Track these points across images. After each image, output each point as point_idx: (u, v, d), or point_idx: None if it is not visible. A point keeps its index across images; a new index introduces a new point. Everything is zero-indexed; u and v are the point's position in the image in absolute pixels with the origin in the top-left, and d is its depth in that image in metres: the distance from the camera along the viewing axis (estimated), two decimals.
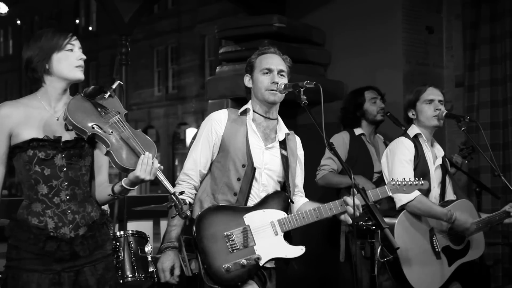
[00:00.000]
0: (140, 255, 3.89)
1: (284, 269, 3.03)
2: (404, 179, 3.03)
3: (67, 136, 2.46)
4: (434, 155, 3.66)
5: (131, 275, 3.79)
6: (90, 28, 27.11)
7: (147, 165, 2.36)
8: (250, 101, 3.04)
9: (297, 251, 2.86)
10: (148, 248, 3.96)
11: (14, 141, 2.42)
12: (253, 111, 3.00)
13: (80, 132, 2.40)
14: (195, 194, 2.96)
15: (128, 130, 2.42)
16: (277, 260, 2.87)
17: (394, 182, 2.99)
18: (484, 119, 5.12)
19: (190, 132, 21.64)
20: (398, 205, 3.49)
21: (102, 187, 2.59)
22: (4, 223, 2.67)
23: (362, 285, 4.03)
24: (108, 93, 2.50)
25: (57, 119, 2.46)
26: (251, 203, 2.90)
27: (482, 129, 4.05)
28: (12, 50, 30.27)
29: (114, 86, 2.53)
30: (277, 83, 2.92)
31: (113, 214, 4.71)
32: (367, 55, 5.34)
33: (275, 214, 2.87)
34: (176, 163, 24.20)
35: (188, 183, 2.94)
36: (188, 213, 2.46)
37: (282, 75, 2.99)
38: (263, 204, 2.88)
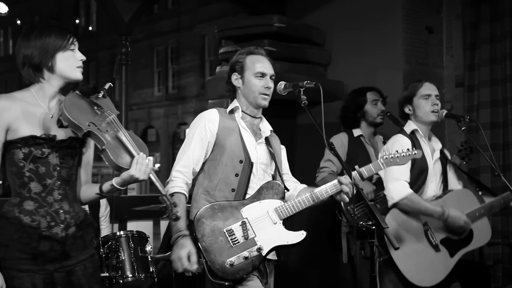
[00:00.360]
0: (140, 255, 3.89)
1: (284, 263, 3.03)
2: (397, 151, 3.00)
3: (62, 134, 2.45)
4: (432, 149, 3.67)
5: (131, 275, 3.79)
6: (90, 28, 27.10)
7: (142, 165, 2.38)
8: (235, 100, 3.07)
9: (298, 236, 2.88)
10: (148, 248, 3.96)
11: (10, 136, 2.39)
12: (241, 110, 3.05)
13: (76, 128, 2.38)
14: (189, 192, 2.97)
15: (122, 130, 2.43)
16: (279, 248, 2.89)
17: (386, 156, 2.96)
18: (484, 119, 5.12)
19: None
20: (389, 203, 3.49)
21: (87, 186, 2.59)
22: None
23: (362, 286, 4.03)
24: (102, 93, 2.50)
25: (51, 117, 2.45)
26: (249, 196, 2.94)
27: (482, 129, 4.06)
28: (12, 50, 30.26)
29: (106, 87, 2.52)
30: (270, 88, 2.99)
31: (112, 215, 4.71)
32: (367, 55, 5.34)
33: (272, 204, 2.91)
34: None
35: (182, 179, 2.93)
36: (179, 214, 2.47)
37: (272, 79, 3.05)
38: (258, 195, 2.92)
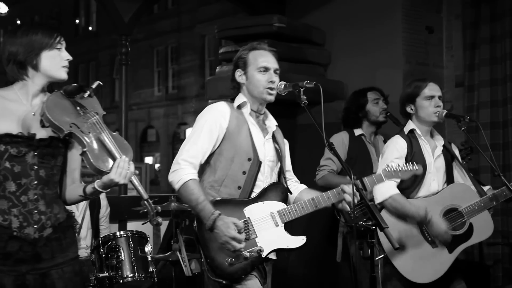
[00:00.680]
0: (140, 255, 3.90)
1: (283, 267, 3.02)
2: (399, 164, 3.03)
3: (42, 133, 2.40)
4: (434, 145, 3.65)
5: (131, 275, 3.79)
6: (90, 28, 27.08)
7: (123, 169, 2.33)
8: (241, 95, 3.02)
9: (298, 241, 2.88)
10: (148, 248, 3.96)
11: None
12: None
13: (57, 129, 2.35)
14: None
15: (106, 132, 2.39)
16: (278, 251, 2.89)
17: (389, 169, 2.98)
18: (484, 119, 5.13)
19: (190, 132, 21.63)
20: (376, 202, 3.49)
21: (73, 187, 2.54)
22: None
23: (362, 286, 4.03)
24: (88, 93, 2.45)
25: (33, 114, 2.41)
26: (253, 196, 2.91)
27: (482, 129, 4.05)
28: None
29: (94, 86, 2.48)
30: (274, 82, 2.94)
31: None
32: (367, 55, 5.34)
33: (275, 206, 2.89)
34: None
35: (191, 167, 2.85)
36: (160, 220, 2.40)
37: (276, 73, 3.00)
38: (262, 196, 2.90)
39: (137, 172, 2.39)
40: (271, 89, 2.95)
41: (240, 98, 3.00)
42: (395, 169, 2.99)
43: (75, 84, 2.47)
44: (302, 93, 2.82)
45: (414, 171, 3.07)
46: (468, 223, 3.51)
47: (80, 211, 4.39)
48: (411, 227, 3.48)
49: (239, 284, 2.81)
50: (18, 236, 2.35)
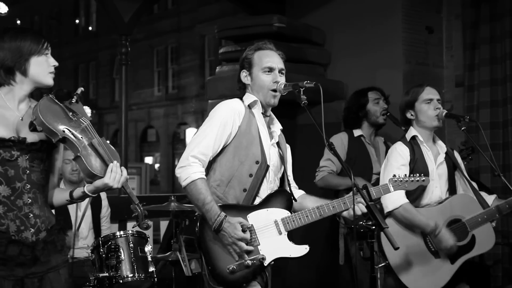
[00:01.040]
0: (140, 255, 3.89)
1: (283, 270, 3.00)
2: (406, 175, 3.02)
3: (31, 137, 2.40)
4: (436, 152, 3.64)
5: (131, 275, 3.79)
6: (90, 28, 27.07)
7: (117, 173, 2.38)
8: (249, 94, 2.99)
9: (301, 250, 2.83)
10: (148, 248, 3.96)
11: None
12: None
13: (50, 134, 2.35)
14: None
15: (97, 137, 2.41)
16: (281, 259, 2.84)
17: (396, 179, 2.97)
18: (484, 119, 5.13)
19: (190, 132, 21.62)
20: (385, 211, 3.46)
21: (57, 191, 2.57)
22: None
23: (362, 286, 4.03)
24: (75, 98, 2.46)
25: (21, 119, 2.41)
26: (257, 201, 2.87)
27: (482, 129, 4.05)
28: None
29: (79, 92, 2.49)
30: (278, 82, 2.92)
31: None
32: (367, 55, 5.34)
33: (279, 213, 2.85)
34: (176, 163, 24.12)
35: (200, 164, 2.81)
36: (150, 223, 2.45)
37: (282, 73, 2.98)
38: (266, 203, 2.86)
39: (128, 177, 2.43)
40: (275, 91, 2.92)
41: (249, 97, 2.96)
42: (402, 180, 2.98)
43: (63, 89, 2.48)
44: (302, 93, 2.80)
45: (421, 182, 3.05)
46: (471, 234, 3.50)
47: (82, 211, 4.40)
48: (415, 236, 3.45)
49: None
50: (17, 240, 2.35)
